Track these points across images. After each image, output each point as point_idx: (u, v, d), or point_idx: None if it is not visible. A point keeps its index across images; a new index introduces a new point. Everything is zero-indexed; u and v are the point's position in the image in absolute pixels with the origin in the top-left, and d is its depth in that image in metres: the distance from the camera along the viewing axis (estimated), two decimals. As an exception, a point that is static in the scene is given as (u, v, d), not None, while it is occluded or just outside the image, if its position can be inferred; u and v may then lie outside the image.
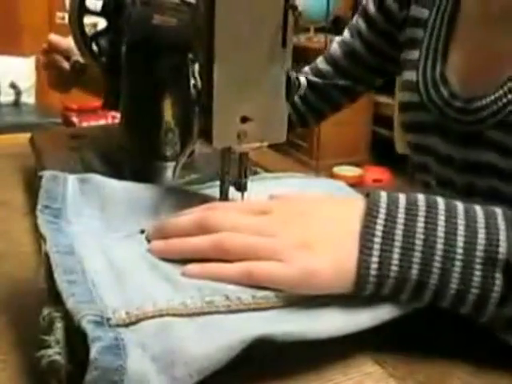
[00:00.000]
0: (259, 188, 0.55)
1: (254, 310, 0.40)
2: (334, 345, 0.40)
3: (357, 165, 3.49)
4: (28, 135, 0.85)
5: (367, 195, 0.45)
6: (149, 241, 0.47)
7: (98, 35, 0.73)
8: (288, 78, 0.49)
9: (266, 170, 0.70)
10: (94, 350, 0.33)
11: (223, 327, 0.38)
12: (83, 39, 0.72)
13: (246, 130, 0.48)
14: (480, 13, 0.66)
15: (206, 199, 0.53)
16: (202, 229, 0.45)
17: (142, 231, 0.49)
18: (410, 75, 0.72)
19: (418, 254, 0.41)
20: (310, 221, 0.45)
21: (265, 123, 0.49)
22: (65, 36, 0.84)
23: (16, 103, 3.46)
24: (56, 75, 0.89)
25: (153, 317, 0.37)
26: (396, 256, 0.41)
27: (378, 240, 0.41)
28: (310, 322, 0.41)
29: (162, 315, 0.38)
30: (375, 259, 0.41)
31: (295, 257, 0.42)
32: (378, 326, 0.42)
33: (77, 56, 0.80)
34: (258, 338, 0.37)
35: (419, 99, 0.69)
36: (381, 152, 3.54)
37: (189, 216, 0.47)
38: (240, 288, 0.41)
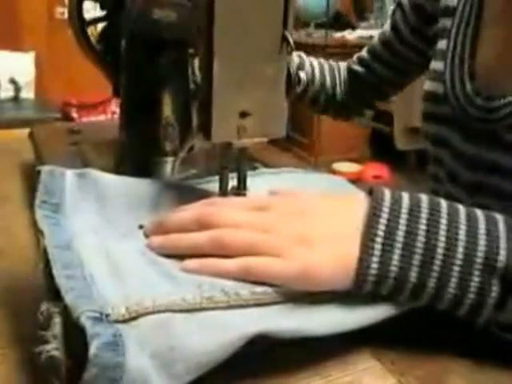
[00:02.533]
0: (258, 183, 0.55)
1: (253, 305, 0.40)
2: (333, 340, 0.40)
3: (356, 161, 3.48)
4: (27, 130, 0.85)
5: (370, 192, 0.45)
6: (147, 236, 0.47)
7: (95, 21, 0.72)
8: (288, 74, 0.49)
9: (266, 166, 0.70)
10: (93, 347, 0.33)
11: (222, 323, 0.38)
12: (83, 35, 0.72)
13: (245, 125, 0.48)
14: (503, 10, 0.65)
15: (205, 194, 0.53)
16: (201, 225, 0.45)
17: (141, 226, 0.49)
18: (438, 65, 0.72)
19: (418, 257, 0.41)
20: (310, 217, 0.45)
21: (264, 118, 0.49)
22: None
23: (15, 98, 3.46)
24: None
25: (152, 312, 0.37)
26: (396, 257, 0.41)
27: (379, 240, 0.41)
28: (309, 319, 0.41)
29: (161, 311, 0.37)
30: (376, 259, 0.41)
31: (294, 252, 0.42)
32: (377, 322, 0.42)
33: None
34: (257, 335, 0.37)
35: (443, 91, 0.69)
36: (380, 148, 3.54)
37: (188, 212, 0.47)
38: (239, 284, 0.41)
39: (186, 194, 0.53)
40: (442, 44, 0.73)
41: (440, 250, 0.41)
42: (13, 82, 3.44)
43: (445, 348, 0.44)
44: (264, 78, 0.48)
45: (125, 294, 0.38)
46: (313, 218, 0.45)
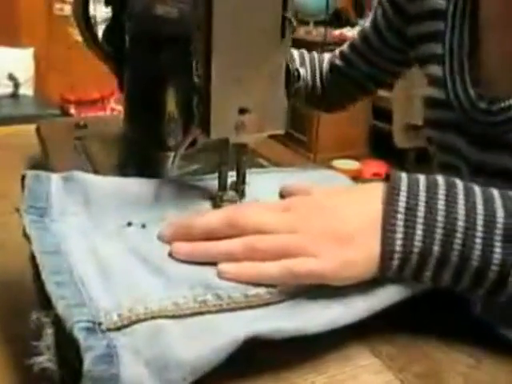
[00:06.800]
0: (258, 181, 0.55)
1: (246, 308, 0.40)
2: (330, 336, 0.40)
3: (355, 158, 3.49)
4: (26, 127, 0.85)
5: (387, 176, 0.45)
6: (163, 240, 0.46)
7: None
8: (287, 70, 0.49)
9: (267, 161, 0.70)
10: (87, 362, 0.32)
11: (215, 327, 0.38)
12: (88, 29, 0.71)
13: (244, 121, 0.48)
14: (500, 13, 0.64)
15: (199, 192, 0.52)
16: (231, 227, 0.44)
17: (129, 224, 0.48)
18: (434, 70, 0.71)
19: (440, 231, 0.42)
20: (334, 212, 0.45)
21: (263, 114, 0.49)
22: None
23: (14, 95, 3.45)
24: None
25: (145, 319, 0.37)
26: (419, 232, 0.42)
27: (401, 216, 0.42)
28: (303, 318, 0.40)
29: (154, 317, 0.37)
30: (399, 235, 0.42)
31: (329, 250, 0.42)
32: (375, 317, 0.42)
33: None
34: (250, 338, 0.37)
35: (445, 97, 0.68)
36: (379, 146, 3.54)
37: (216, 214, 0.46)
38: (232, 286, 0.41)
39: (180, 191, 0.52)
40: (434, 48, 0.71)
41: (460, 223, 0.42)
42: (11, 78, 3.43)
43: (443, 345, 0.44)
44: (263, 74, 0.48)
45: (117, 299, 0.38)
46: (336, 212, 0.45)
